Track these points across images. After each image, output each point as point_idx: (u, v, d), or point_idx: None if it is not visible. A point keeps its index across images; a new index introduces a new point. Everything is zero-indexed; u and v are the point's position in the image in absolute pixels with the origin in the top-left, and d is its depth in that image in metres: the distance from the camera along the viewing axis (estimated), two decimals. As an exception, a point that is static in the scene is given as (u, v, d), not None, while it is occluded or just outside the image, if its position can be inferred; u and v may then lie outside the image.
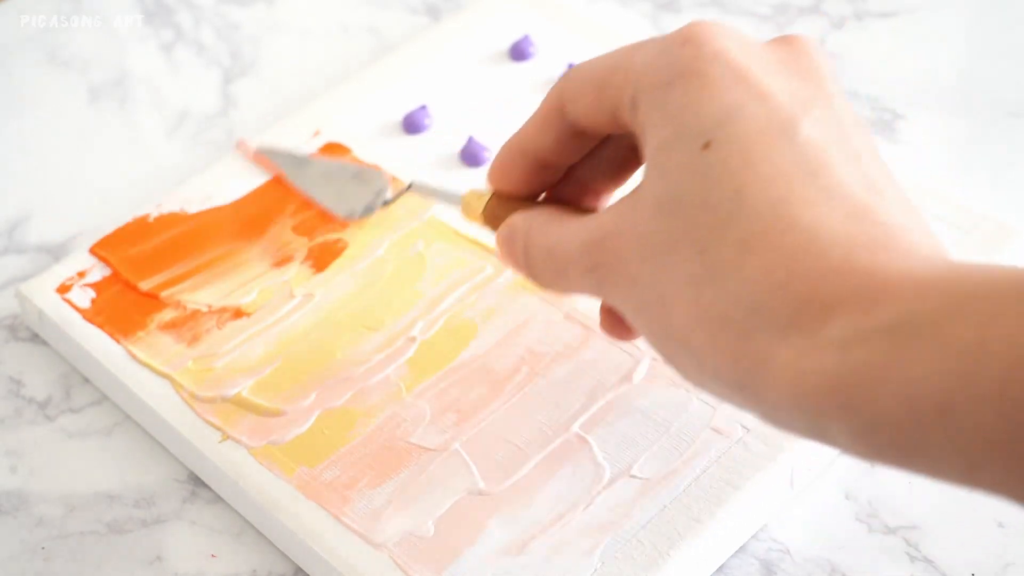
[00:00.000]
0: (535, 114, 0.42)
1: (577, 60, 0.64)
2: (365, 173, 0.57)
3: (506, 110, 0.63)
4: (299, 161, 0.60)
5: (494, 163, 0.44)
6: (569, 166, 0.44)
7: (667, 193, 0.36)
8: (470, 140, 0.61)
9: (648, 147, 0.37)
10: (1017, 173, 0.63)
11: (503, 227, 0.44)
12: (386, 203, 0.56)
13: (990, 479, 0.30)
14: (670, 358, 0.37)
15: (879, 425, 0.31)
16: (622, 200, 0.38)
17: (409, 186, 0.53)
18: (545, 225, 0.42)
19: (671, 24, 0.70)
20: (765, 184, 0.34)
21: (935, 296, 0.31)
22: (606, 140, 0.43)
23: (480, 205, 0.46)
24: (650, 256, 0.36)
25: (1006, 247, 0.55)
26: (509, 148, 0.43)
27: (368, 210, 0.56)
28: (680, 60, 0.36)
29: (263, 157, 0.60)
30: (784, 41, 0.38)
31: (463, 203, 0.46)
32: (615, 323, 0.44)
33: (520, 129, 0.43)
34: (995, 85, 0.67)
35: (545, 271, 0.42)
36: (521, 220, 0.43)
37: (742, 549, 0.49)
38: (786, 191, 0.34)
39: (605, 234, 0.38)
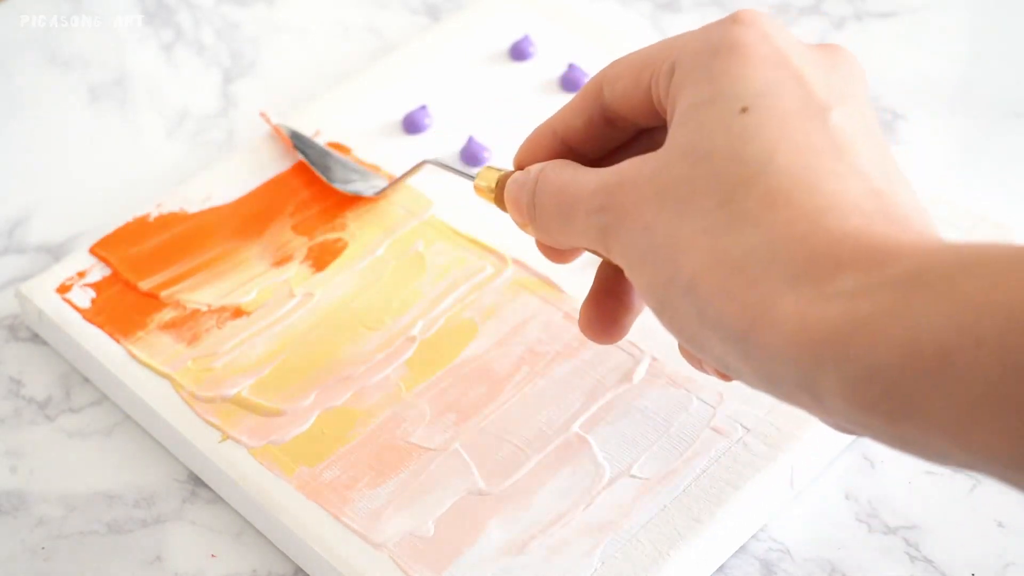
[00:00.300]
0: (574, 97, 0.44)
1: (577, 60, 0.64)
2: (371, 176, 0.58)
3: (506, 110, 0.63)
4: (313, 146, 0.61)
5: (524, 141, 0.45)
6: (593, 161, 0.44)
7: (698, 145, 0.37)
8: (470, 140, 0.61)
9: (680, 107, 0.39)
10: (1017, 173, 0.62)
11: (518, 173, 0.44)
12: (398, 180, 0.57)
13: (982, 437, 0.30)
14: (668, 307, 0.38)
15: (876, 374, 0.32)
16: (644, 155, 0.39)
17: (423, 162, 0.54)
18: (560, 168, 0.43)
19: (671, 24, 0.70)
20: (797, 151, 0.36)
21: (945, 256, 0.32)
22: (633, 140, 0.44)
23: (494, 181, 0.46)
24: (671, 202, 0.37)
25: (1006, 247, 0.55)
26: (541, 128, 0.45)
27: (371, 188, 0.57)
28: (729, 34, 0.38)
29: (281, 131, 0.61)
30: (827, 46, 0.40)
31: (478, 178, 0.46)
32: (600, 313, 0.45)
33: (557, 111, 0.44)
34: (996, 85, 0.66)
35: (550, 210, 0.42)
36: (536, 165, 0.44)
37: (742, 549, 0.49)
38: (815, 161, 0.36)
39: (623, 179, 0.39)
